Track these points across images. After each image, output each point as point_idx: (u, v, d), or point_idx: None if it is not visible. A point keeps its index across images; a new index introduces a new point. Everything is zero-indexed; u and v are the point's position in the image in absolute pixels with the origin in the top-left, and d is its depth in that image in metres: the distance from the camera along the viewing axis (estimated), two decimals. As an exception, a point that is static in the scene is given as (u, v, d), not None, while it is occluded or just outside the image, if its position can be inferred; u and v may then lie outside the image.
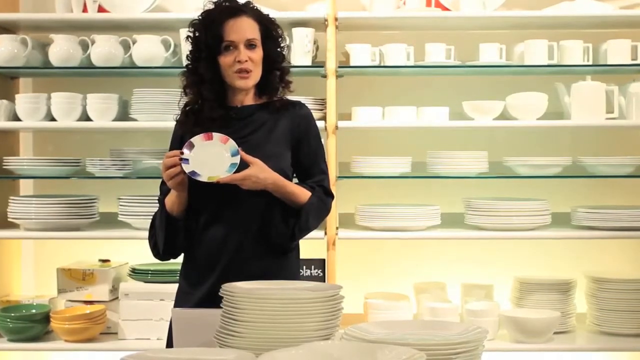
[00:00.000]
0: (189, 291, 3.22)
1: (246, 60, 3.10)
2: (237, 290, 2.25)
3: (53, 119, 4.68)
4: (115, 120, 4.67)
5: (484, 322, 4.39)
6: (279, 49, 3.25)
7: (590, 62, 4.68)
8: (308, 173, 3.25)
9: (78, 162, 4.69)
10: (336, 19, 4.58)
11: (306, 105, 3.32)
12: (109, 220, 4.77)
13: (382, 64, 4.68)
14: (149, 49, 4.63)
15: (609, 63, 4.66)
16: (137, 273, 4.67)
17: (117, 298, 4.65)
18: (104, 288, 4.66)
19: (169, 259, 3.31)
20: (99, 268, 4.69)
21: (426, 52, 4.67)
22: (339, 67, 4.64)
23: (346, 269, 4.73)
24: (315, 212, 3.18)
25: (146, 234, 4.56)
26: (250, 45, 3.12)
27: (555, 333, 4.55)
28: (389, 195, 4.92)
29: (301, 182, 3.24)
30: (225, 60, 3.11)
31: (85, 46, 4.67)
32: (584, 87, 4.61)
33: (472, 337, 2.05)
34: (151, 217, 4.55)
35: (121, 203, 4.64)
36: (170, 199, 3.14)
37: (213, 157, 2.97)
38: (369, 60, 4.65)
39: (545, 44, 4.63)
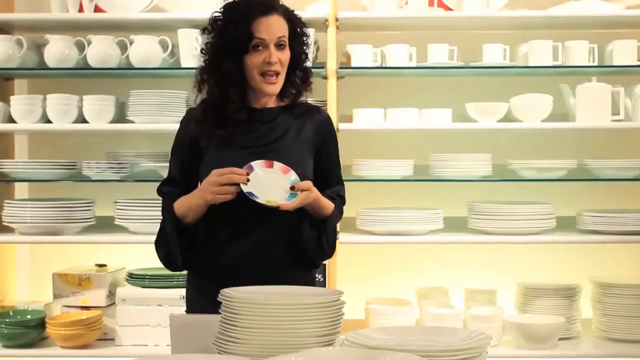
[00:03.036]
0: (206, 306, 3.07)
1: (276, 62, 2.97)
2: (236, 295, 2.21)
3: (48, 121, 4.64)
4: (111, 122, 4.63)
5: (488, 328, 4.31)
6: (304, 48, 3.12)
7: (596, 63, 4.64)
8: (326, 181, 3.15)
9: (74, 165, 4.65)
10: (337, 19, 4.53)
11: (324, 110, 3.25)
12: (106, 224, 4.71)
13: (383, 65, 4.64)
14: (146, 50, 4.59)
15: (614, 64, 4.63)
16: (134, 278, 4.62)
17: (114, 303, 4.62)
18: (101, 293, 4.61)
19: (182, 270, 3.15)
20: (95, 273, 4.65)
21: (428, 53, 4.63)
22: (340, 68, 4.59)
23: (347, 273, 4.68)
24: (336, 224, 3.15)
25: (143, 238, 4.55)
26: (279, 45, 2.99)
27: (560, 339, 4.51)
28: (391, 198, 4.87)
29: (320, 191, 3.10)
30: (253, 60, 2.97)
31: (81, 47, 4.63)
32: (589, 88, 4.57)
33: (475, 344, 2.03)
34: (148, 220, 4.51)
35: (118, 207, 4.60)
36: (188, 205, 3.00)
37: (269, 183, 2.89)
38: (371, 61, 4.60)
39: (550, 45, 4.59)
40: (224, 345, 2.16)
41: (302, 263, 3.11)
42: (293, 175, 2.91)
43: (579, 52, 4.60)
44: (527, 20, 4.69)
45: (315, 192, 2.97)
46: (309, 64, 3.19)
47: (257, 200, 2.85)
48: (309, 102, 3.22)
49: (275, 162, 2.91)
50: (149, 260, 4.74)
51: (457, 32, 4.87)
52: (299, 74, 3.12)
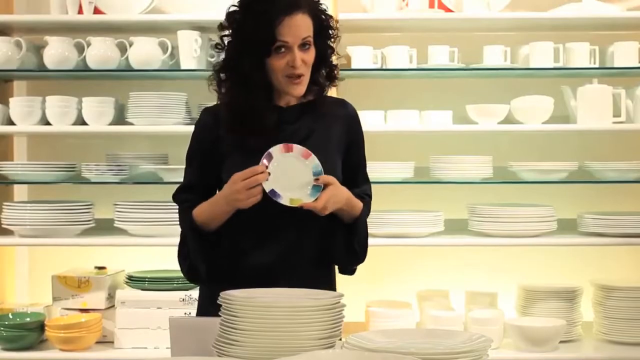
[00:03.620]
0: None
1: (300, 64, 2.78)
2: (235, 298, 2.19)
3: (48, 123, 4.62)
4: (111, 124, 4.60)
5: (488, 331, 4.30)
6: (329, 42, 2.91)
7: (597, 65, 4.63)
8: (355, 180, 3.01)
9: (73, 167, 4.63)
10: (337, 21, 4.49)
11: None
12: (105, 227, 4.69)
13: (384, 67, 4.63)
14: (145, 52, 4.57)
15: (616, 66, 4.61)
16: (134, 280, 4.60)
17: (113, 306, 4.59)
18: (100, 296, 4.59)
19: (206, 282, 2.98)
20: (94, 275, 4.62)
21: (429, 55, 4.61)
22: (340, 70, 4.54)
23: (347, 276, 4.65)
24: (366, 224, 3.03)
25: (142, 240, 4.53)
26: (304, 45, 2.79)
27: (561, 342, 4.49)
28: (391, 201, 4.85)
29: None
30: (276, 63, 2.78)
31: (80, 48, 4.61)
32: (590, 90, 4.56)
33: (476, 346, 2.02)
34: (148, 222, 4.49)
35: (117, 209, 4.57)
36: (209, 213, 2.86)
37: (292, 173, 2.74)
38: (371, 63, 4.59)
39: (551, 46, 4.57)
40: (223, 348, 2.14)
41: (333, 272, 3.02)
42: (314, 160, 2.76)
43: (580, 54, 4.58)
44: (527, 22, 4.68)
45: (342, 192, 2.83)
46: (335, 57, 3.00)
47: (280, 201, 2.73)
48: (330, 95, 3.04)
49: (295, 146, 2.76)
50: (149, 262, 4.75)
51: (458, 33, 4.86)
52: (324, 70, 2.95)
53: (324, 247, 2.94)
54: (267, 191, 2.73)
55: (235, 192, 2.75)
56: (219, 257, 2.90)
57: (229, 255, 2.91)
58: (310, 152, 2.76)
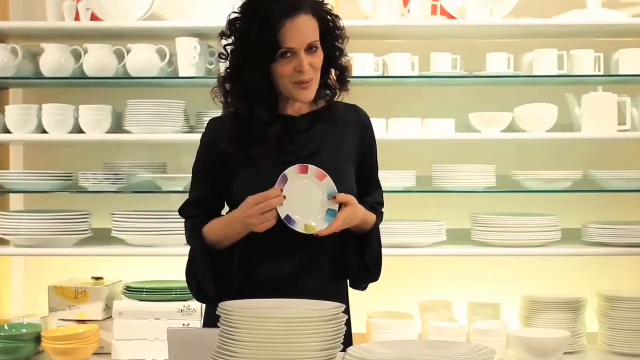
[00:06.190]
0: None
1: (308, 69, 2.67)
2: (234, 308, 2.15)
3: (44, 131, 4.60)
4: (108, 132, 4.59)
5: (492, 342, 4.28)
6: (337, 44, 2.79)
7: (602, 72, 4.60)
8: (367, 189, 2.93)
9: (70, 176, 4.61)
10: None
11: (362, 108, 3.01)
12: (103, 237, 4.66)
13: (385, 74, 4.60)
14: (143, 59, 4.55)
15: (621, 73, 4.59)
16: (132, 291, 4.57)
17: (110, 317, 4.57)
18: (97, 307, 4.57)
19: (217, 303, 2.91)
20: (92, 286, 4.60)
21: (431, 62, 4.59)
22: (341, 77, 4.52)
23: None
24: (379, 236, 2.93)
25: (140, 250, 4.49)
26: (310, 48, 2.67)
27: (566, 354, 4.43)
28: (393, 210, 4.73)
29: (361, 200, 2.87)
30: (282, 70, 2.67)
31: (77, 56, 4.60)
32: (595, 98, 4.54)
33: (479, 358, 2.01)
34: (146, 232, 4.45)
35: (115, 219, 4.55)
36: (220, 233, 2.77)
37: (306, 196, 2.67)
38: (372, 70, 4.57)
39: (555, 54, 4.56)
40: (222, 359, 2.10)
41: (345, 285, 2.95)
42: (329, 183, 2.68)
43: (585, 61, 4.56)
44: (531, 29, 4.66)
45: (359, 212, 2.76)
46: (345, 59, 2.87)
47: (296, 228, 2.65)
48: (342, 101, 2.93)
49: (309, 167, 2.67)
50: (147, 273, 4.73)
51: (461, 40, 4.84)
52: (334, 73, 2.84)
53: (338, 263, 2.87)
54: (282, 217, 2.66)
55: (249, 216, 2.67)
56: (230, 275, 2.80)
57: (239, 272, 2.81)
58: (325, 173, 2.69)
